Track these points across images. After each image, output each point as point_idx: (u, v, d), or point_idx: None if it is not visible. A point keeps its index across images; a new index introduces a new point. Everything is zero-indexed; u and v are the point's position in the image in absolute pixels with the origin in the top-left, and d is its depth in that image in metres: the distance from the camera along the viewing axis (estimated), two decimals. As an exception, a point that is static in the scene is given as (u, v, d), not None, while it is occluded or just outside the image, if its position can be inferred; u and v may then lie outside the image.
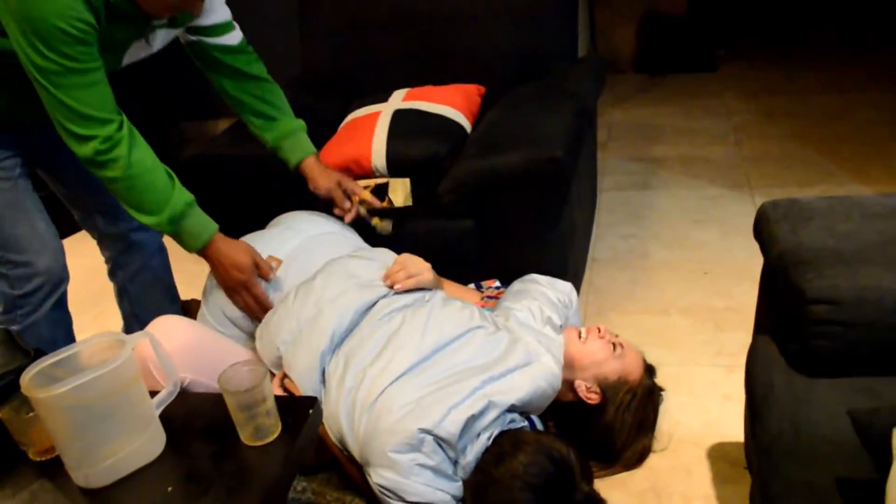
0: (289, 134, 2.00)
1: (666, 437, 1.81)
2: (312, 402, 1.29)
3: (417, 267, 1.74)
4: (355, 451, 1.49)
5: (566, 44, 2.57)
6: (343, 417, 1.50)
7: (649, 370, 1.82)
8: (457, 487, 1.43)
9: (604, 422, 1.70)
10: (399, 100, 2.41)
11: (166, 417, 1.25)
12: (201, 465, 1.20)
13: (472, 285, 2.11)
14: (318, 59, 2.73)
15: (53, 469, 1.21)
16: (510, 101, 2.36)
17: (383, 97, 2.44)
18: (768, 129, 3.60)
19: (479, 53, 2.52)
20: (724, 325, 2.20)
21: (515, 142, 2.04)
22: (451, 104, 2.36)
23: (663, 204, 2.99)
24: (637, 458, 1.73)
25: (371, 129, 2.28)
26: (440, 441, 1.40)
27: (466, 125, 2.34)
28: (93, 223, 2.05)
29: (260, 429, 1.21)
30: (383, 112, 2.35)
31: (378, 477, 1.42)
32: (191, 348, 1.60)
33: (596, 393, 1.72)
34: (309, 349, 1.61)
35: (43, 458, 1.25)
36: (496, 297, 1.99)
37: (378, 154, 2.21)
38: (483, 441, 1.44)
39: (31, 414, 1.22)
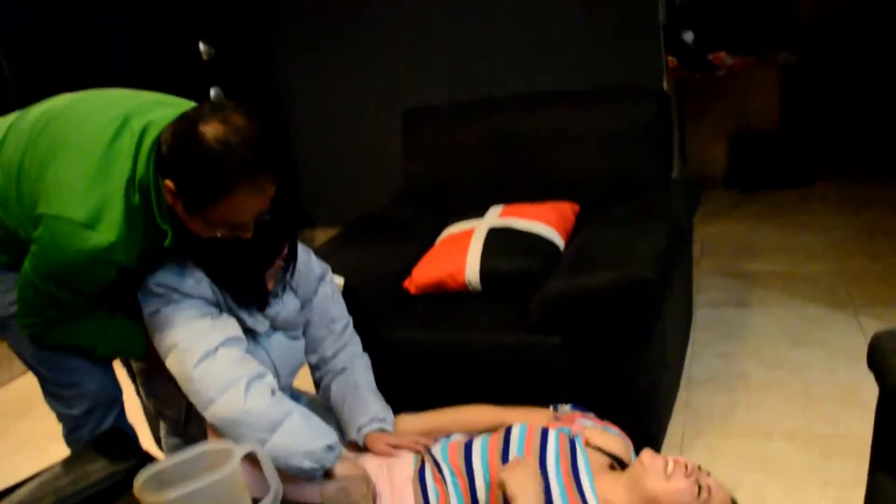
0: None
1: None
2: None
3: None
4: None
5: (660, 166, 2.60)
6: None
7: None
8: None
9: None
10: (495, 216, 2.48)
11: (266, 528, 1.27)
12: (298, 579, 1.21)
13: (551, 407, 2.08)
14: (419, 175, 2.86)
15: (157, 575, 1.24)
16: (604, 220, 2.39)
17: (479, 213, 2.52)
18: (869, 246, 3.50)
19: (574, 174, 2.58)
20: (832, 452, 2.09)
21: (607, 261, 2.05)
22: (546, 221, 2.41)
23: (761, 322, 2.91)
24: None
25: (466, 245, 2.35)
26: None
27: (560, 242, 2.38)
28: None
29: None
30: (478, 228, 2.42)
31: None
32: None
33: None
34: None
35: (148, 563, 1.28)
36: (568, 419, 1.95)
37: (472, 270, 2.27)
38: None
39: (139, 517, 1.26)
